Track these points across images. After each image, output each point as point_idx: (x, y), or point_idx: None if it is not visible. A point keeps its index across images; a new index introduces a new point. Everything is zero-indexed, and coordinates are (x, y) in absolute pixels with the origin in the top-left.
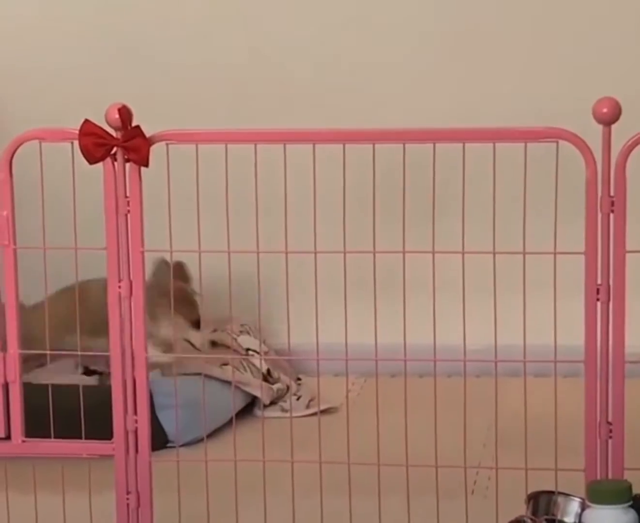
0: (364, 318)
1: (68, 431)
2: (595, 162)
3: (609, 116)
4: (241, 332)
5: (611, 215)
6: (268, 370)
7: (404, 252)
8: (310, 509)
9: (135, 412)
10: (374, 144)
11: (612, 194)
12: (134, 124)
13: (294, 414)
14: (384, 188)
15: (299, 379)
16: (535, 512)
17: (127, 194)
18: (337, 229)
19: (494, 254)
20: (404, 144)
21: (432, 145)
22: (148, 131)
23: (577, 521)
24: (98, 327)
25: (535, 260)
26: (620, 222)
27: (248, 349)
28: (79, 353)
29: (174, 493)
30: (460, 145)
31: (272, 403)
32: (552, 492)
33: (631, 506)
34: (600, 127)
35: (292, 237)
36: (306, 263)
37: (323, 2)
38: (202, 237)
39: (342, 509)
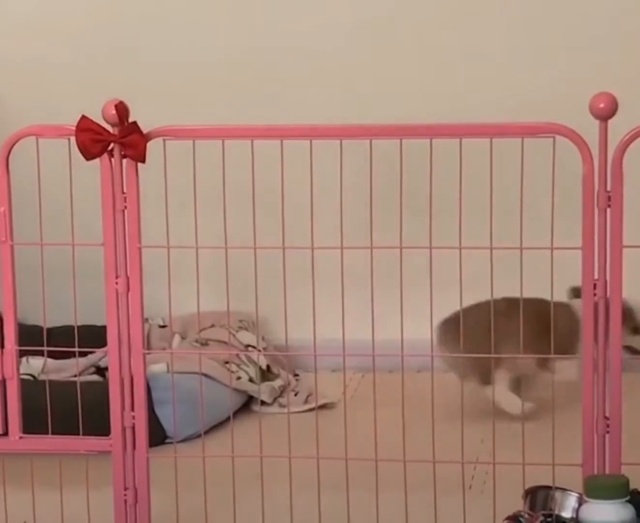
0: (362, 313)
1: (69, 427)
2: (592, 157)
3: (606, 111)
4: (240, 327)
5: (608, 211)
6: (268, 366)
7: (400, 248)
8: (308, 504)
9: (133, 408)
10: (371, 140)
11: (608, 189)
12: (130, 120)
13: (292, 410)
14: (382, 183)
15: (296, 375)
16: (532, 507)
17: (124, 190)
18: (335, 225)
19: (491, 249)
20: (401, 140)
21: (429, 140)
22: (145, 127)
23: (574, 516)
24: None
25: (532, 255)
26: (617, 217)
27: (248, 345)
28: (76, 349)
29: (171, 489)
30: (458, 140)
31: None
32: (549, 487)
33: (628, 501)
34: (597, 122)
35: (289, 233)
36: (304, 259)
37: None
38: (200, 232)
39: (339, 504)
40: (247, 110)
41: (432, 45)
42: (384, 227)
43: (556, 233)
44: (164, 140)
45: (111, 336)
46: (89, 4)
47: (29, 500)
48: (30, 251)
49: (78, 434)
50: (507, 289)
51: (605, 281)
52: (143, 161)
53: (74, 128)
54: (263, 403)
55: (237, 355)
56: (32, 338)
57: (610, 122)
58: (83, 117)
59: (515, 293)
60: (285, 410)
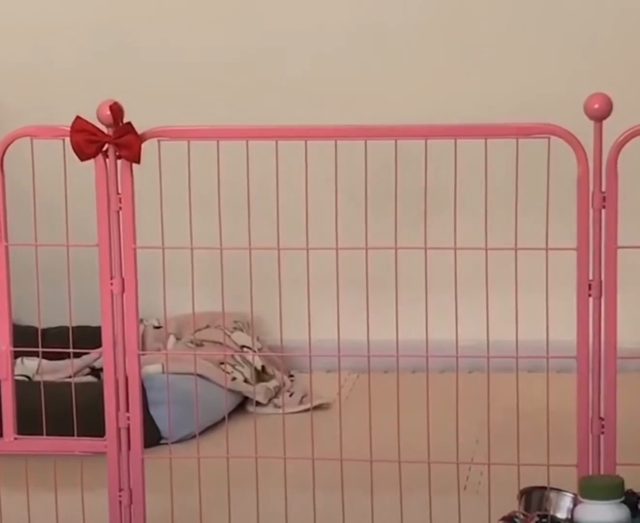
0: (357, 314)
1: (64, 428)
2: (587, 158)
3: (601, 112)
4: (235, 328)
5: (603, 211)
6: (263, 367)
7: (395, 248)
8: (303, 505)
9: (128, 409)
10: (365, 141)
11: (603, 189)
12: (125, 120)
13: (287, 410)
14: (376, 184)
15: (291, 376)
16: (527, 508)
17: (119, 191)
18: (330, 225)
19: (486, 250)
20: (395, 141)
21: (424, 141)
22: (140, 128)
23: (569, 517)
24: None
25: (527, 256)
26: (611, 218)
27: (243, 346)
28: (71, 350)
29: (166, 490)
30: (453, 141)
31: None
32: (544, 488)
33: (623, 502)
34: (592, 123)
35: (284, 234)
36: (299, 260)
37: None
38: (194, 233)
39: (334, 505)
40: (243, 111)
41: (426, 46)
42: (379, 228)
43: (551, 233)
44: (158, 140)
45: (106, 337)
46: (85, 6)
47: (24, 501)
48: (25, 252)
49: (73, 435)
50: (501, 286)
51: (600, 282)
52: (138, 162)
53: (68, 129)
54: (258, 404)
55: (232, 356)
56: (26, 339)
57: (605, 122)
58: (77, 117)
59: (508, 290)
60: (280, 410)
